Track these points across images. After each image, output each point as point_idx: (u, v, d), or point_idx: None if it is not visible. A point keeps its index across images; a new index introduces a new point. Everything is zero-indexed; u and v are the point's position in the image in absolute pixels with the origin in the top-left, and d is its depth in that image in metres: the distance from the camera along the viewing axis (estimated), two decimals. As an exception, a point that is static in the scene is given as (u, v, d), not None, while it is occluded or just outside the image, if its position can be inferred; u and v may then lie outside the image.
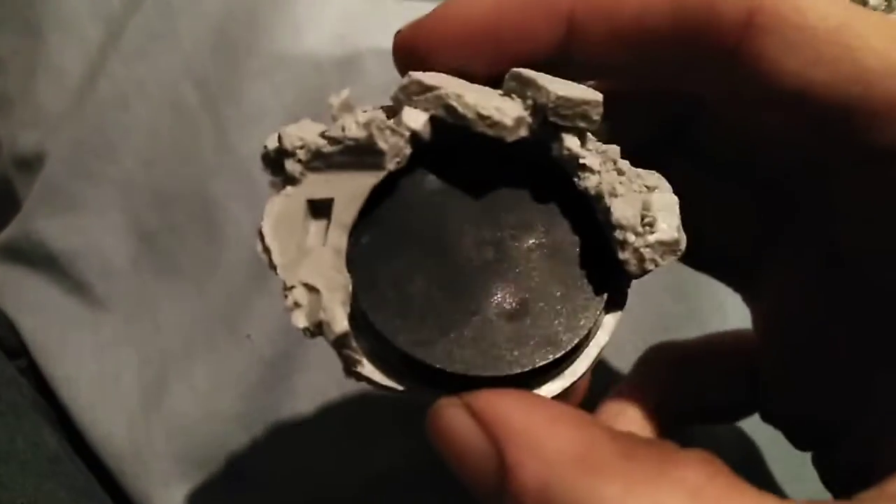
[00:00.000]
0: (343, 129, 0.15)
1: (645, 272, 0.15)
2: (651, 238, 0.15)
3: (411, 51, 0.17)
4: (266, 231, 0.15)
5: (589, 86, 0.16)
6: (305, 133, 0.16)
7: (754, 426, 0.24)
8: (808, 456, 0.21)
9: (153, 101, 0.32)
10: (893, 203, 0.16)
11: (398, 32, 0.17)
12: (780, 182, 0.19)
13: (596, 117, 0.16)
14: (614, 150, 0.16)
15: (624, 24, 0.16)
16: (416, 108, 0.15)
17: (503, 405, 0.14)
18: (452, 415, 0.14)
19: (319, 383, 0.28)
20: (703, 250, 0.19)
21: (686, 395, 0.22)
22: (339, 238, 0.15)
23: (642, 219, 0.15)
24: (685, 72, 0.17)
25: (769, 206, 0.20)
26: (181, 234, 0.31)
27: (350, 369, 0.15)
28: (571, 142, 0.16)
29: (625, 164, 0.16)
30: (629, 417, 0.21)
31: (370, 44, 0.32)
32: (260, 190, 0.31)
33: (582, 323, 0.16)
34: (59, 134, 0.33)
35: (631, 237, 0.15)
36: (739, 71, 0.15)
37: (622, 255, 0.15)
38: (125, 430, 0.29)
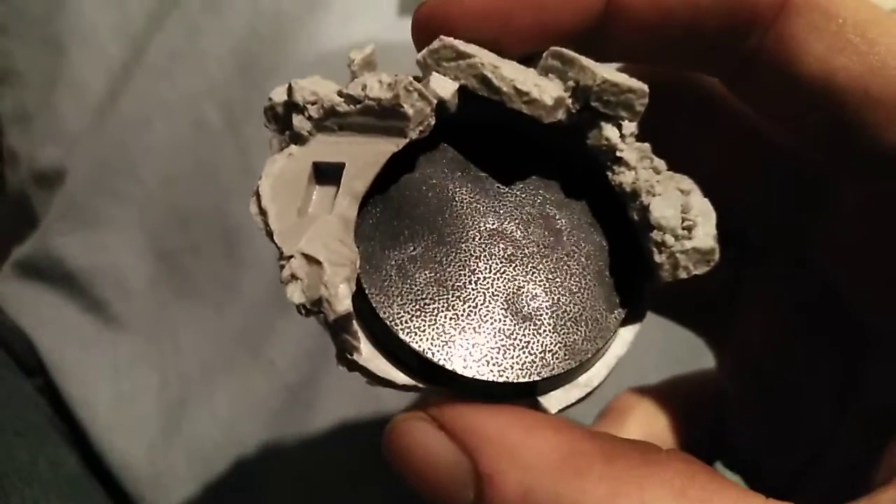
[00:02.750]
0: (364, 88, 0.14)
1: (675, 280, 0.14)
2: (688, 244, 0.14)
3: (438, 23, 0.15)
4: (263, 191, 0.14)
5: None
6: (319, 88, 0.14)
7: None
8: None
9: (175, 120, 0.32)
10: (890, 221, 0.15)
11: (421, 5, 0.16)
12: (746, 229, 0.19)
13: (640, 108, 0.15)
14: (646, 148, 0.15)
15: None
16: (445, 75, 0.14)
17: (473, 415, 0.13)
18: (417, 429, 0.13)
19: (342, 410, 0.28)
20: (664, 296, 0.18)
21: (648, 438, 0.22)
22: (348, 207, 0.14)
23: (682, 221, 0.14)
24: (716, 50, 0.16)
25: (741, 257, 0.20)
26: (201, 255, 0.31)
27: (344, 356, 0.14)
28: (611, 132, 0.15)
29: (660, 164, 0.15)
30: None
31: (394, 64, 0.32)
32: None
33: (601, 333, 0.14)
34: (79, 151, 0.33)
35: (670, 240, 0.14)
36: (767, 51, 0.15)
37: (658, 258, 0.14)
38: (144, 453, 0.29)
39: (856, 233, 0.17)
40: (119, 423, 0.29)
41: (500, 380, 0.14)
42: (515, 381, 0.14)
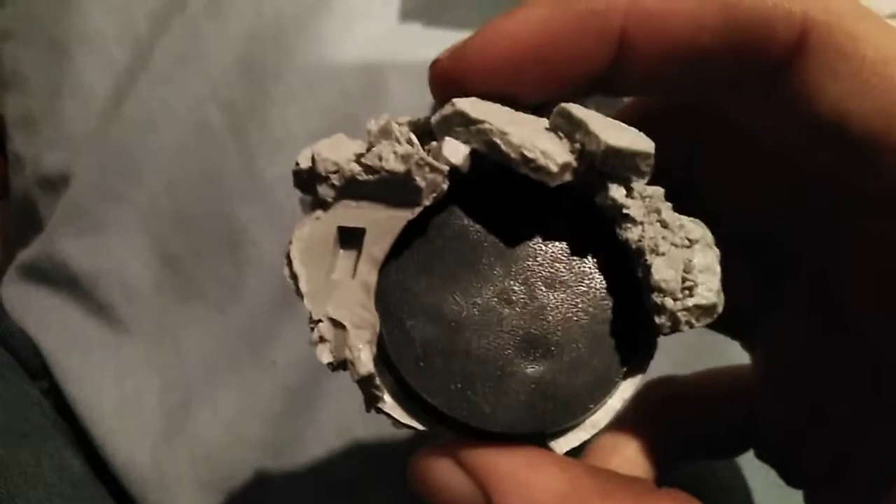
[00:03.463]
0: (380, 159, 0.15)
1: (676, 332, 0.15)
2: (689, 302, 0.15)
3: (452, 79, 0.16)
4: (294, 256, 0.15)
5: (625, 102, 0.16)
6: (340, 155, 0.15)
7: (747, 463, 0.24)
8: (800, 494, 0.21)
9: (179, 124, 0.32)
10: None
11: (435, 61, 0.16)
12: (779, 240, 0.19)
13: (645, 169, 0.15)
14: (658, 193, 0.15)
15: (676, 42, 0.15)
16: (456, 139, 0.15)
17: (488, 454, 0.15)
18: (439, 464, 0.15)
19: (344, 412, 0.28)
20: None
21: (682, 431, 0.22)
22: (368, 273, 0.15)
23: (682, 281, 0.15)
24: (729, 90, 0.16)
25: (767, 265, 0.20)
26: (205, 258, 0.31)
27: (372, 405, 0.15)
28: (616, 191, 0.15)
29: (668, 213, 0.15)
30: (624, 453, 0.21)
31: (396, 67, 0.32)
32: (285, 214, 0.31)
33: (606, 387, 0.15)
34: (84, 155, 0.33)
35: (669, 302, 0.15)
36: (782, 92, 0.15)
37: (658, 320, 0.15)
38: (148, 456, 0.29)
39: (869, 257, 0.16)
40: (123, 426, 0.30)
41: (510, 431, 0.15)
42: (525, 432, 0.15)
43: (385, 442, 0.28)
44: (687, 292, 0.15)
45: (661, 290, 0.15)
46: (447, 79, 0.16)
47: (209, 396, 0.30)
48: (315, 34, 0.33)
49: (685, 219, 0.15)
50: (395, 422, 0.15)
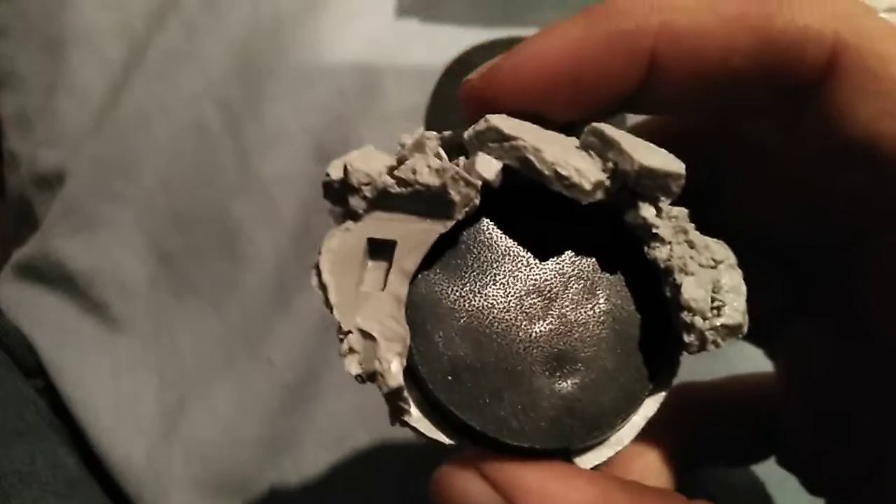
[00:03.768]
0: (414, 172, 0.15)
1: (703, 350, 0.15)
2: (717, 321, 0.15)
3: (484, 99, 0.16)
4: (323, 266, 0.15)
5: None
6: (371, 167, 0.15)
7: (768, 470, 0.23)
8: (821, 502, 0.21)
9: (175, 122, 0.32)
10: None
11: (467, 80, 0.17)
12: (803, 251, 0.19)
13: (676, 190, 0.15)
14: (683, 214, 0.15)
15: (706, 63, 0.15)
16: (489, 154, 0.15)
17: (515, 467, 0.14)
18: (464, 478, 0.15)
19: (340, 410, 0.28)
20: None
21: (702, 437, 0.22)
22: (399, 285, 0.15)
23: (711, 301, 0.15)
24: (758, 111, 0.16)
25: (791, 274, 0.20)
26: (200, 256, 0.31)
27: (397, 418, 0.15)
28: (647, 211, 0.15)
29: (694, 234, 0.15)
30: (646, 459, 0.21)
31: (392, 65, 0.32)
32: (280, 212, 0.31)
33: (632, 404, 0.15)
34: (79, 153, 0.33)
35: (699, 321, 0.15)
36: (811, 113, 0.15)
37: (687, 338, 0.15)
38: (144, 454, 0.29)
39: (894, 270, 0.16)
40: (119, 424, 0.29)
41: (538, 446, 0.15)
42: (552, 448, 0.15)
43: (382, 440, 0.28)
44: (715, 312, 0.15)
45: (690, 309, 0.15)
46: (478, 98, 0.16)
47: (205, 394, 0.29)
48: (311, 31, 0.33)
49: (709, 240, 0.16)
50: (421, 435, 0.15)
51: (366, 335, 0.14)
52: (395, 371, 0.14)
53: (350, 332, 0.14)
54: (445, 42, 0.32)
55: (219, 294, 0.31)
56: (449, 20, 0.33)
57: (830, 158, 0.16)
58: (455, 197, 0.15)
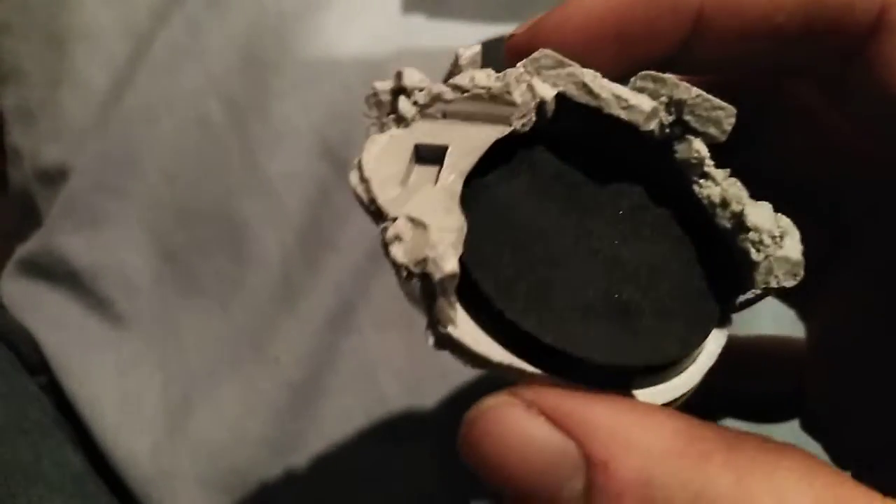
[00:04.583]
0: (472, 80, 0.14)
1: (766, 288, 0.15)
2: (780, 252, 0.14)
3: (529, 52, 0.16)
4: (366, 162, 0.14)
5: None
6: (424, 77, 0.15)
7: (791, 436, 0.23)
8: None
9: (179, 117, 0.32)
10: None
11: (511, 35, 0.16)
12: (841, 208, 0.19)
13: (727, 127, 0.15)
14: (726, 173, 0.15)
15: (752, 22, 0.15)
16: (545, 82, 0.15)
17: (579, 399, 0.12)
18: (513, 415, 0.12)
19: (347, 409, 0.28)
20: None
21: (729, 386, 0.22)
22: (454, 182, 0.14)
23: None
24: (803, 71, 0.16)
25: (827, 231, 0.20)
26: (205, 253, 0.31)
27: (437, 329, 0.13)
28: (700, 145, 0.15)
29: (741, 187, 0.15)
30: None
31: (398, 59, 0.32)
32: (286, 209, 0.31)
33: (702, 327, 0.15)
34: (83, 148, 0.33)
35: (767, 239, 0.14)
36: (858, 72, 0.15)
37: (756, 257, 0.14)
38: (149, 453, 0.29)
39: None
40: (124, 422, 0.29)
41: (616, 362, 0.13)
42: (630, 364, 0.13)
43: (388, 437, 0.28)
44: (780, 239, 0.15)
45: (758, 230, 0.14)
46: (522, 53, 0.16)
47: (211, 392, 0.29)
48: (316, 26, 0.33)
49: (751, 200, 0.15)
50: (463, 352, 0.13)
51: (416, 223, 0.13)
52: (449, 255, 0.12)
53: (397, 218, 0.13)
54: (451, 36, 0.32)
55: (224, 291, 0.31)
56: (454, 15, 0.33)
57: (877, 115, 0.15)
58: (518, 98, 0.14)
